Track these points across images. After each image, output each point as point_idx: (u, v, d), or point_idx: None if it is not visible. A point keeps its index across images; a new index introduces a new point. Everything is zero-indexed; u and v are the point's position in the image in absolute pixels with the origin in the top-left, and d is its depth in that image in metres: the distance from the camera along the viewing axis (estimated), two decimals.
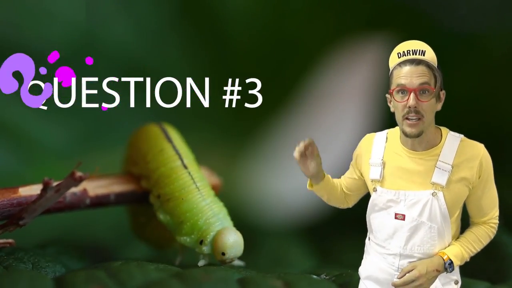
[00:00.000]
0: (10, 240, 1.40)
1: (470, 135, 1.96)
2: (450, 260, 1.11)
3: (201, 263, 1.39)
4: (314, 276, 1.31)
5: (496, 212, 1.15)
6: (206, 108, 2.04)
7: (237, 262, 1.40)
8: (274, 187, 2.09)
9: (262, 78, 2.27)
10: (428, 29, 2.11)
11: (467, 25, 2.05)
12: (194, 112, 2.20)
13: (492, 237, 1.15)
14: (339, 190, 1.18)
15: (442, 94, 1.14)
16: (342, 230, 1.24)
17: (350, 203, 1.20)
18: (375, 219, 1.14)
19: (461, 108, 2.04)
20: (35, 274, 1.31)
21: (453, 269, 1.11)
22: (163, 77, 2.22)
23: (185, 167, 1.43)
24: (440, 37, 2.09)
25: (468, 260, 1.13)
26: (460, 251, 1.12)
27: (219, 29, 2.23)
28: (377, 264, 1.14)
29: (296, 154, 1.14)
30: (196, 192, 1.40)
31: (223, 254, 1.36)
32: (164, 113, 2.12)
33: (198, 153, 1.54)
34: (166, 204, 1.42)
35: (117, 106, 2.16)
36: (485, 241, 1.15)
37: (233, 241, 1.36)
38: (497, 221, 1.15)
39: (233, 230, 1.37)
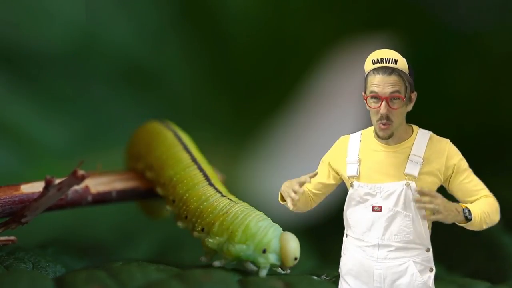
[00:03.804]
0: (12, 238, 1.40)
1: (471, 134, 1.97)
2: (467, 208, 1.17)
3: (216, 263, 1.35)
4: (315, 277, 1.31)
5: (486, 190, 1.21)
6: (207, 107, 2.04)
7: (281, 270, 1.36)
8: (275, 187, 2.09)
9: (262, 78, 2.27)
10: (428, 28, 2.11)
11: (467, 25, 2.05)
12: (195, 112, 2.20)
13: (496, 203, 1.20)
14: (303, 196, 1.25)
15: (414, 95, 1.20)
16: (343, 231, 1.24)
17: (313, 204, 1.26)
18: (352, 213, 1.20)
19: (461, 108, 2.04)
20: (36, 274, 1.31)
21: (471, 218, 1.16)
22: (164, 77, 2.23)
23: (223, 195, 1.40)
24: (441, 37, 2.09)
25: (481, 222, 1.18)
26: (472, 207, 1.18)
27: (219, 29, 2.23)
28: (356, 258, 1.20)
29: (296, 194, 1.20)
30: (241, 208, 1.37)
31: (296, 259, 1.31)
32: (165, 113, 2.13)
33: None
34: (215, 230, 1.36)
35: (117, 106, 2.16)
36: (491, 205, 1.20)
37: (298, 243, 1.32)
38: (491, 193, 1.20)
39: (290, 233, 1.33)
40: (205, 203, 1.38)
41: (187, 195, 1.41)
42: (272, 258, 1.31)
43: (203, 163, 1.46)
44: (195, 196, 1.39)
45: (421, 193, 1.15)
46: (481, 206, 1.19)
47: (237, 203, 1.36)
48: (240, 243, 1.32)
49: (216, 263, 1.35)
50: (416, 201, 1.15)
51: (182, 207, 1.41)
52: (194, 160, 1.46)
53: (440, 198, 1.15)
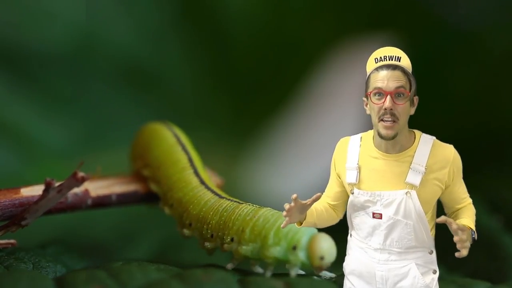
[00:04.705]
0: (12, 241, 1.40)
1: (471, 134, 1.97)
2: (472, 230, 1.16)
3: (230, 266, 1.34)
4: (315, 277, 1.31)
5: (468, 196, 1.20)
6: (207, 107, 2.04)
7: (328, 274, 1.32)
8: (275, 187, 2.10)
9: (262, 78, 2.27)
10: (429, 28, 2.11)
11: (468, 24, 2.05)
12: (195, 112, 2.20)
13: (474, 210, 1.21)
14: (325, 213, 1.23)
15: (416, 99, 1.18)
16: (345, 230, 1.24)
17: (340, 214, 1.24)
18: (355, 218, 1.19)
19: (461, 108, 2.04)
20: (36, 274, 1.31)
21: (474, 237, 1.16)
22: (164, 77, 2.23)
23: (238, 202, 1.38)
24: (441, 37, 2.09)
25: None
26: (469, 222, 1.18)
27: (219, 29, 2.23)
28: (359, 259, 1.19)
29: (291, 208, 1.17)
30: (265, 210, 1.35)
31: (322, 258, 1.27)
32: (165, 113, 2.12)
33: (198, 153, 1.54)
34: (247, 237, 1.33)
35: (117, 106, 2.16)
36: (474, 214, 1.20)
37: (331, 245, 1.28)
38: (471, 200, 1.20)
39: (326, 235, 1.29)
40: (225, 213, 1.35)
41: (202, 213, 1.38)
42: (301, 255, 1.28)
43: (209, 183, 1.45)
44: (212, 211, 1.37)
45: (458, 230, 1.12)
46: (471, 218, 1.18)
47: (261, 207, 1.34)
48: (274, 245, 1.29)
49: (229, 266, 1.33)
50: (457, 241, 1.12)
51: (203, 226, 1.38)
52: (202, 182, 1.44)
53: (466, 230, 1.14)
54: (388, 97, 1.14)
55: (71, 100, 2.14)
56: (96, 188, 1.50)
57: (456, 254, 1.13)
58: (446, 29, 2.07)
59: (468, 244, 1.13)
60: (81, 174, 1.32)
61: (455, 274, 1.47)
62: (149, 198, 1.54)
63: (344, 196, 1.21)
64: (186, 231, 1.41)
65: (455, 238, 1.13)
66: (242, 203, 1.36)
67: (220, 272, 1.28)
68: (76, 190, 1.41)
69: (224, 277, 1.26)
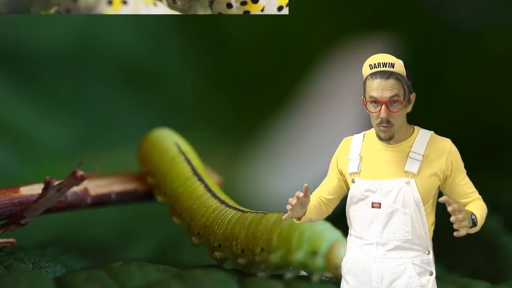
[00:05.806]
0: (11, 240, 1.40)
1: (471, 134, 1.97)
2: (474, 214, 1.17)
3: (262, 274, 1.30)
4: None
5: (477, 192, 1.22)
6: (207, 107, 2.03)
7: (328, 275, 1.29)
8: (274, 187, 2.10)
9: (262, 78, 2.27)
10: (428, 28, 2.11)
11: (467, 24, 2.05)
12: (195, 112, 2.20)
13: (486, 207, 1.21)
14: (319, 208, 1.24)
15: (412, 96, 1.21)
16: (342, 230, 1.24)
17: (330, 210, 1.26)
18: (353, 211, 1.21)
19: (462, 108, 2.04)
20: (36, 274, 1.31)
21: (476, 224, 1.17)
22: (163, 77, 2.23)
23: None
24: (441, 36, 2.09)
25: (480, 225, 1.18)
26: (473, 208, 1.19)
27: (219, 29, 2.23)
28: (356, 257, 1.21)
29: (294, 204, 1.19)
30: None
31: (337, 268, 1.24)
32: (165, 113, 2.12)
33: (198, 153, 1.54)
34: (275, 244, 1.30)
35: (117, 106, 2.16)
36: (485, 209, 1.21)
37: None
38: (480, 197, 1.21)
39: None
40: (252, 225, 1.33)
41: (228, 230, 1.35)
42: (320, 262, 1.26)
43: (217, 191, 1.44)
44: (238, 226, 1.34)
45: (453, 211, 1.13)
46: (479, 210, 1.19)
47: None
48: (297, 248, 1.27)
49: (261, 274, 1.30)
50: (453, 221, 1.14)
51: (232, 243, 1.34)
52: (222, 202, 1.41)
53: (464, 211, 1.15)
54: (383, 107, 1.17)
55: (71, 100, 2.14)
56: (95, 186, 1.50)
57: (455, 233, 1.14)
58: (445, 29, 2.07)
59: (465, 223, 1.14)
60: (80, 172, 1.32)
61: (455, 274, 1.47)
62: (149, 196, 1.54)
63: (340, 191, 1.24)
64: (217, 254, 1.38)
65: (451, 218, 1.14)
66: (267, 213, 1.33)
67: (220, 272, 1.28)
68: (76, 188, 1.41)
69: (224, 277, 1.27)
